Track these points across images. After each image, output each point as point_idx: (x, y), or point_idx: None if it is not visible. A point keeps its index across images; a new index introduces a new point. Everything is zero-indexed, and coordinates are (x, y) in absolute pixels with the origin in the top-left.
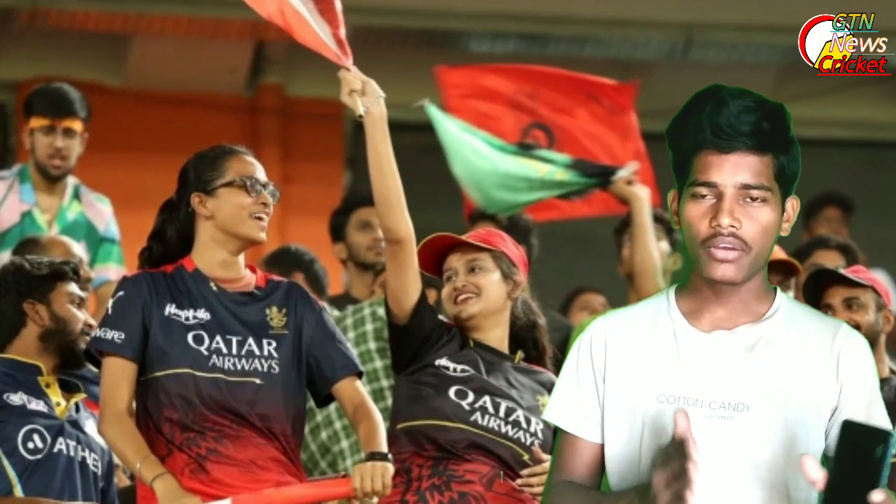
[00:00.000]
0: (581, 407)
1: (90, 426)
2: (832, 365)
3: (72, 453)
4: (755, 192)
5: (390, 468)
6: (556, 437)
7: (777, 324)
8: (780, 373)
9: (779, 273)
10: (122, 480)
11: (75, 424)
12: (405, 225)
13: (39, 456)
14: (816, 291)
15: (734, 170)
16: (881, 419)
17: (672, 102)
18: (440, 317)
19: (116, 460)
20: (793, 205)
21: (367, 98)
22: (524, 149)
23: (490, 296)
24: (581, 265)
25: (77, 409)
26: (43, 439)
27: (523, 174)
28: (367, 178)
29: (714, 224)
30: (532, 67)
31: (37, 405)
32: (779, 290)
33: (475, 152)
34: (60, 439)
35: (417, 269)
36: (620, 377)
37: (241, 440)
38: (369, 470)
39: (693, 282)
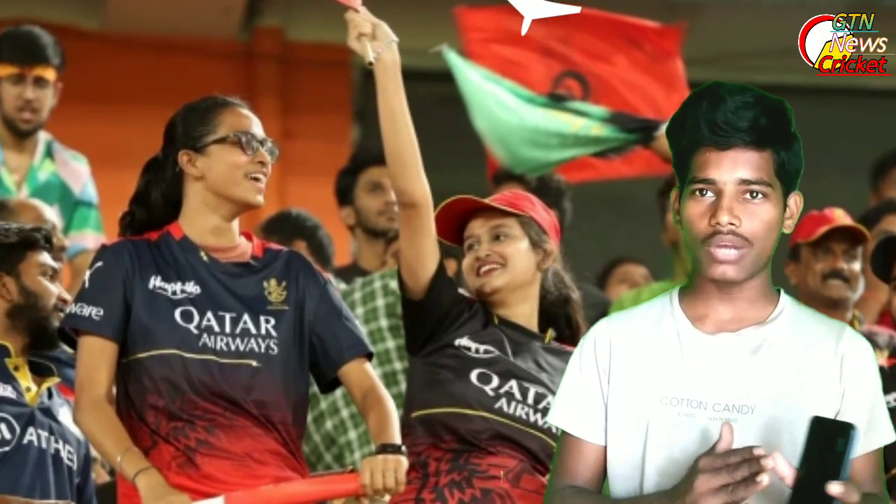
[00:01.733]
0: (585, 409)
1: (64, 414)
2: (836, 368)
3: (44, 445)
4: (755, 188)
5: (404, 462)
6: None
7: (781, 326)
8: (784, 375)
9: (844, 241)
10: (100, 475)
11: (48, 412)
12: (421, 186)
13: (7, 448)
14: (886, 262)
15: (733, 166)
16: (883, 423)
17: (722, 48)
18: (461, 291)
19: (94, 453)
20: (796, 201)
21: (377, 43)
22: (555, 100)
23: (517, 267)
24: (620, 232)
25: (49, 395)
26: (11, 429)
27: (554, 129)
28: (377, 134)
29: (713, 222)
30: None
31: (4, 391)
32: (782, 291)
33: (500, 104)
34: (31, 429)
35: (435, 237)
36: (624, 379)
37: (235, 430)
38: (380, 464)
39: (696, 282)
